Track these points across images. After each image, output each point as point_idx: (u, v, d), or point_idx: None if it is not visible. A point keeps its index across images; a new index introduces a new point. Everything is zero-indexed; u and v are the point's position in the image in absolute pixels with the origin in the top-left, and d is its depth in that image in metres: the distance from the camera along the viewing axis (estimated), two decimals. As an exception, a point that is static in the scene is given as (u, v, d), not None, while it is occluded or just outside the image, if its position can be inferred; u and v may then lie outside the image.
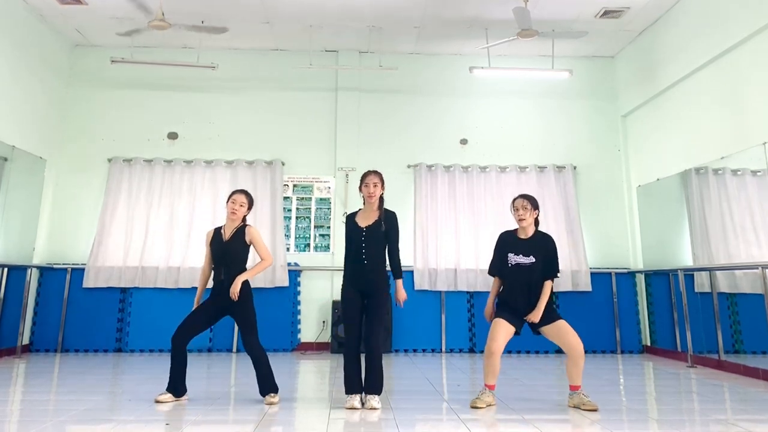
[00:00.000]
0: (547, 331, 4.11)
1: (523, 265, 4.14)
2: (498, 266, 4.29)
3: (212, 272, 4.35)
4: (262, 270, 4.37)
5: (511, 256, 4.19)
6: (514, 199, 4.32)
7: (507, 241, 4.28)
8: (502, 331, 4.05)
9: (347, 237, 4.24)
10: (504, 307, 4.18)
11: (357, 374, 4.04)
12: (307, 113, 8.21)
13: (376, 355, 4.03)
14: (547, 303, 4.12)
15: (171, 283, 7.40)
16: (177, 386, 4.19)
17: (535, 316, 4.06)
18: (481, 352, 7.39)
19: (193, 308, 4.31)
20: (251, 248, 4.38)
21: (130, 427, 3.42)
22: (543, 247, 4.20)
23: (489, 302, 4.31)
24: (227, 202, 4.37)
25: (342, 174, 7.96)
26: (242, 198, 4.35)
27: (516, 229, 4.33)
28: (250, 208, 4.43)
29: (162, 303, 7.34)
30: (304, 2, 7.02)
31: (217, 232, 4.38)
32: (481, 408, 4.00)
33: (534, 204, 4.26)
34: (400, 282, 4.26)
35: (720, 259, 6.17)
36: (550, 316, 4.11)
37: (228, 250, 4.26)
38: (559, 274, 4.25)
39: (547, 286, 4.13)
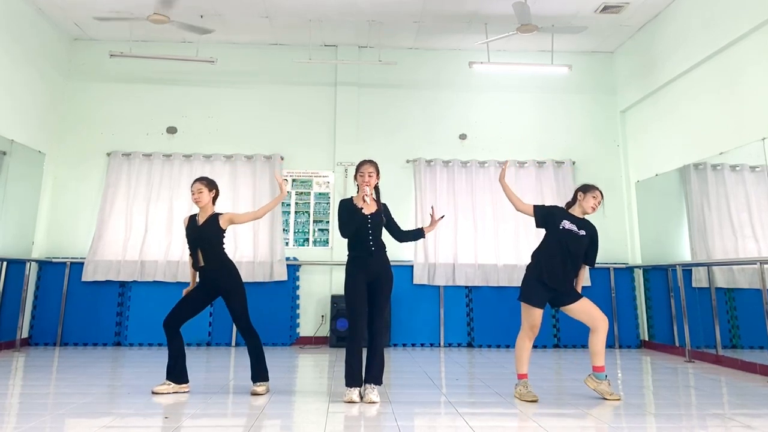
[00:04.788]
0: (573, 308, 4.21)
1: (574, 232, 4.22)
2: (541, 216, 4.35)
3: (192, 259, 4.40)
4: (268, 208, 4.48)
5: (566, 222, 4.26)
6: (593, 189, 4.34)
7: (562, 212, 4.36)
8: (540, 319, 4.18)
9: (348, 218, 4.14)
10: (536, 285, 4.17)
11: (359, 367, 4.04)
12: (306, 108, 8.20)
13: (379, 343, 4.06)
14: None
15: (170, 276, 7.41)
16: (176, 373, 4.27)
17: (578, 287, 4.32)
18: (480, 346, 7.42)
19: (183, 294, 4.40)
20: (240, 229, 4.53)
21: (129, 421, 3.43)
22: (592, 229, 4.32)
23: (507, 187, 4.47)
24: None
25: (341, 169, 7.96)
26: (198, 185, 4.39)
27: (564, 210, 4.41)
28: (212, 190, 4.43)
29: (161, 297, 7.34)
30: (304, -4, 7.01)
31: (193, 218, 4.44)
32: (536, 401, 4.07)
33: None
34: (424, 229, 4.40)
35: (718, 255, 6.18)
36: (577, 294, 4.24)
37: (202, 235, 4.31)
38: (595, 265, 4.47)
39: (585, 269, 4.38)
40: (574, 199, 4.39)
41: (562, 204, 4.59)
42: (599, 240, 4.38)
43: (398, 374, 5.32)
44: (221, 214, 4.41)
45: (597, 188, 4.39)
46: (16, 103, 6.95)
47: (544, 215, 4.35)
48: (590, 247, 4.30)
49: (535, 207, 4.39)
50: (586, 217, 4.37)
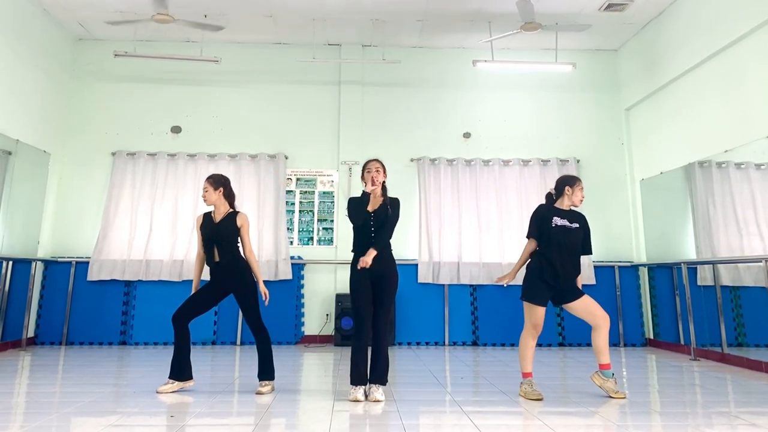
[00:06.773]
0: (575, 306, 4.21)
1: (568, 227, 4.22)
2: (537, 231, 4.30)
3: (206, 256, 4.43)
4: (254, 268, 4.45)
5: (556, 219, 4.24)
6: (579, 181, 4.35)
7: (549, 210, 4.31)
8: (543, 317, 4.18)
9: (357, 206, 4.15)
10: (538, 283, 4.17)
11: (365, 366, 4.05)
12: (310, 107, 8.21)
13: (383, 341, 4.06)
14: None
15: (175, 276, 7.43)
16: (180, 369, 4.29)
17: (578, 284, 4.29)
18: (485, 344, 7.42)
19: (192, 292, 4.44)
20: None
21: (134, 419, 3.45)
22: (582, 219, 4.33)
23: (515, 267, 4.38)
24: None
25: (345, 168, 7.96)
26: (204, 184, 4.46)
27: (550, 205, 4.38)
28: (218, 189, 4.44)
29: (166, 296, 7.37)
30: (307, -5, 7.02)
31: (208, 215, 4.49)
32: (541, 399, 4.07)
33: None
34: (374, 250, 4.08)
35: (723, 253, 6.16)
36: (579, 291, 4.24)
37: (219, 232, 4.36)
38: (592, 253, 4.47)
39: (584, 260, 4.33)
40: (561, 193, 4.35)
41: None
42: (589, 229, 4.39)
43: (403, 373, 5.32)
44: (240, 213, 4.47)
45: (580, 181, 4.40)
46: (22, 103, 6.98)
47: (538, 227, 4.29)
48: (584, 237, 4.31)
49: (530, 233, 4.35)
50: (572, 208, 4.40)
